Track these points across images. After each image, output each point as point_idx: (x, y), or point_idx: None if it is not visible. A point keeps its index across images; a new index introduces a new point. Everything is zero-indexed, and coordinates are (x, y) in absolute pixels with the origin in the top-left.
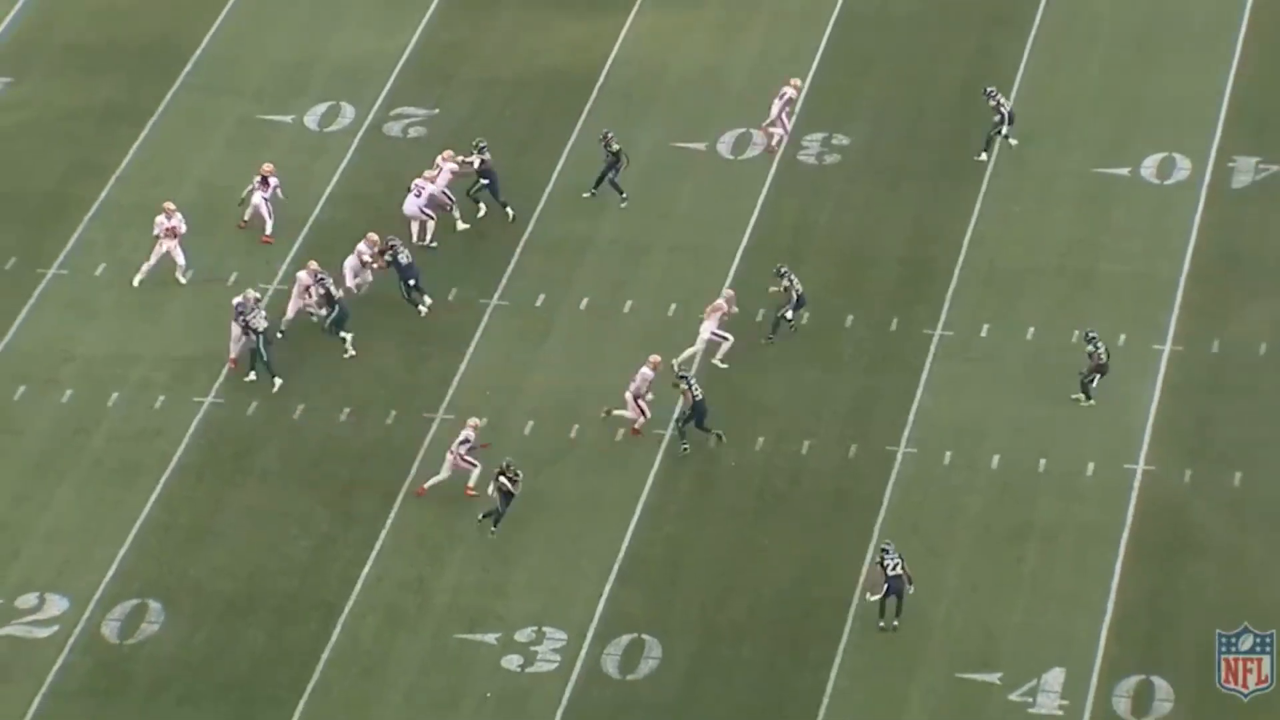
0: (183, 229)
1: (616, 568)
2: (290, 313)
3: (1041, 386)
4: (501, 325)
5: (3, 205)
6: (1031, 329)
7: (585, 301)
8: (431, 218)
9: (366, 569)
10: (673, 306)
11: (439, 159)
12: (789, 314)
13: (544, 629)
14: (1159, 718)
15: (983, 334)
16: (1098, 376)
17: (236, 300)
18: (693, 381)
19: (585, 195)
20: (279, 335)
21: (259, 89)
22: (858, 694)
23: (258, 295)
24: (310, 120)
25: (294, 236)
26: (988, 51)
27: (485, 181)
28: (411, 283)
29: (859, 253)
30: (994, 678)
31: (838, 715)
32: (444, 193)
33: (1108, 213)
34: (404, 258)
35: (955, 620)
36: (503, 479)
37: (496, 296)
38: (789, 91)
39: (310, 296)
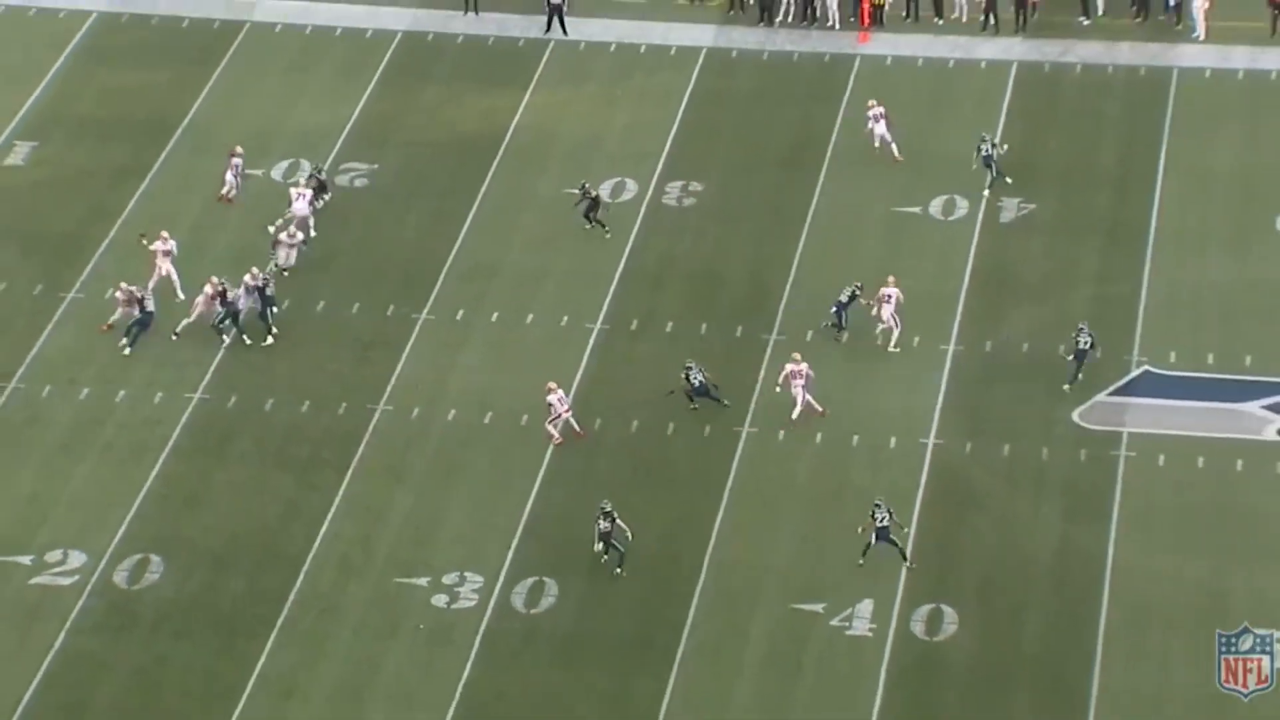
0: (174, 252)
1: (522, 525)
2: (193, 316)
3: (854, 377)
4: (429, 335)
5: (31, 243)
6: (846, 334)
7: (495, 315)
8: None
9: (324, 528)
10: (564, 319)
11: (293, 191)
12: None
13: (465, 574)
14: (947, 636)
15: (808, 339)
16: (1072, 359)
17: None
18: (693, 368)
19: (587, 227)
20: (174, 336)
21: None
22: (713, 622)
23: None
24: (276, 173)
25: (263, 263)
26: (808, 119)
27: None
28: (273, 310)
29: (710, 275)
30: (819, 607)
31: (697, 639)
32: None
33: (904, 242)
34: (270, 290)
35: (789, 564)
36: (602, 523)
37: (425, 312)
38: (876, 110)
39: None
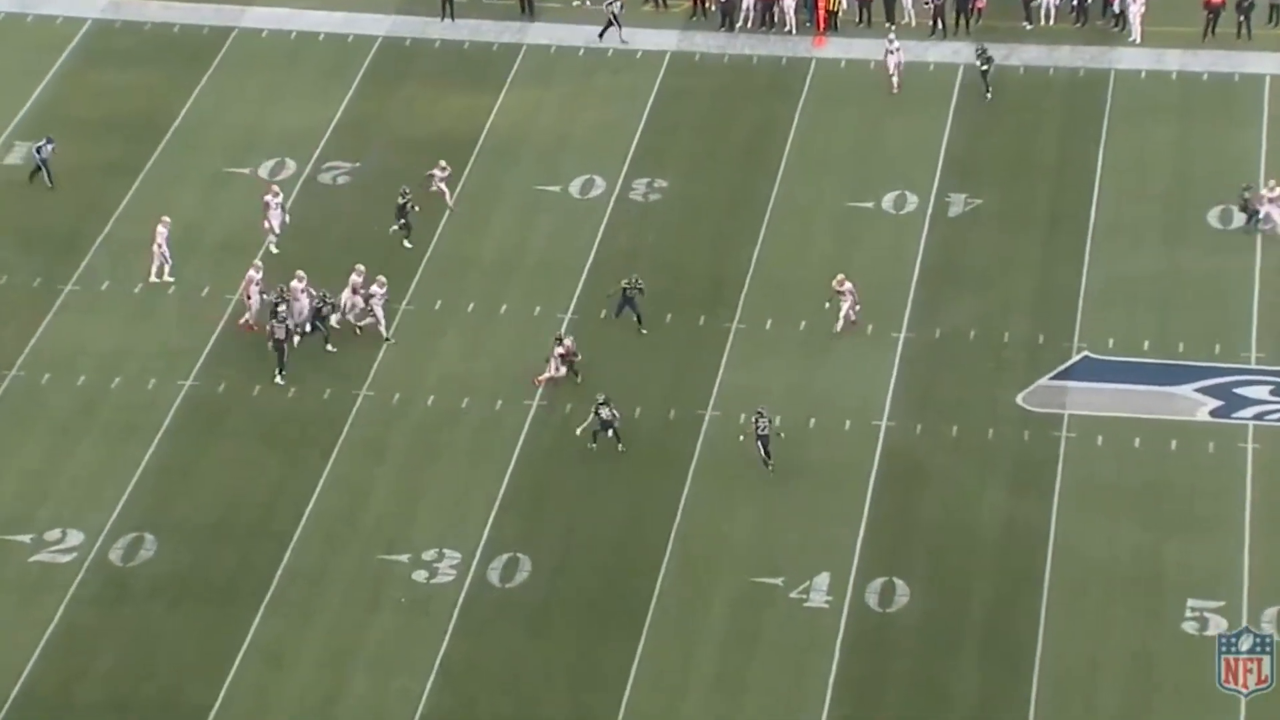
0: (168, 234)
1: (497, 504)
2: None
3: (811, 363)
4: (410, 324)
5: (31, 238)
6: (804, 322)
7: (471, 306)
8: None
9: (310, 505)
10: (537, 309)
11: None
12: None
13: (443, 550)
14: (899, 608)
15: (766, 327)
16: None
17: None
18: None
19: (628, 318)
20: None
21: (223, 149)
22: (677, 593)
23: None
24: (262, 171)
25: (251, 257)
26: (768, 117)
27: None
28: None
29: (675, 267)
30: (778, 581)
31: (662, 610)
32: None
33: (857, 236)
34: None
35: (749, 538)
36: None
37: (405, 302)
38: (896, 43)
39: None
